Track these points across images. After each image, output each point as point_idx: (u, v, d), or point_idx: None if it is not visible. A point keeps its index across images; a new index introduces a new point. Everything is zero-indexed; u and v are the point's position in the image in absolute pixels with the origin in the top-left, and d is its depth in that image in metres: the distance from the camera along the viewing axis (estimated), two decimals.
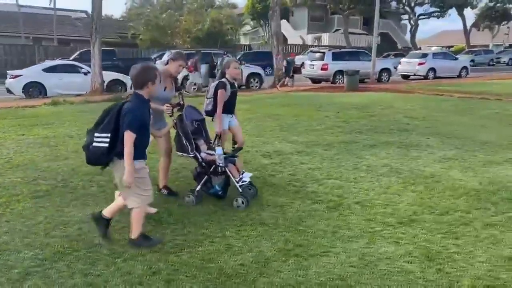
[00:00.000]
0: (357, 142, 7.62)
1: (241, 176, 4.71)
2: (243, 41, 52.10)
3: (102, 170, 3.76)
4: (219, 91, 5.05)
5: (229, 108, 5.24)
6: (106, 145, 3.41)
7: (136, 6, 46.03)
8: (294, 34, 48.21)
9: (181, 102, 4.67)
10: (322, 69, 21.30)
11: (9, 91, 15.91)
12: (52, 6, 36.42)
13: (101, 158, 3.49)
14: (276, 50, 19.59)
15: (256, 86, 19.50)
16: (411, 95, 14.63)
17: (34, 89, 15.71)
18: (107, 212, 3.80)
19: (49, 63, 16.43)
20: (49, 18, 36.21)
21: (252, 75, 19.35)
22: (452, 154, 6.77)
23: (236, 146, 5.40)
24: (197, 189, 4.69)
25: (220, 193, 4.71)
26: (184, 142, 4.56)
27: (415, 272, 3.27)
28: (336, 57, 21.67)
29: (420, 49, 46.07)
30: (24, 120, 10.19)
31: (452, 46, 55.47)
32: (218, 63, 17.55)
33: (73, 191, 5.13)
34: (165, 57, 18.75)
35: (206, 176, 4.68)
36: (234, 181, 4.64)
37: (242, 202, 4.52)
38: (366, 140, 7.77)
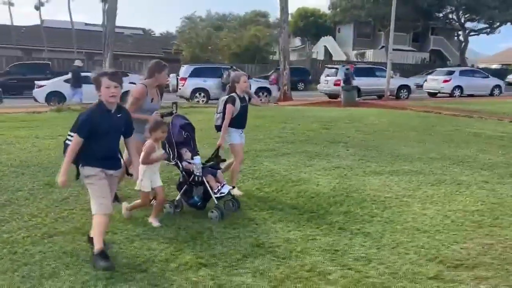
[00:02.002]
0: (275, 151, 8.06)
1: (219, 188, 4.65)
2: (292, 57, 52.99)
3: None
4: (228, 106, 5.14)
5: (239, 122, 5.29)
6: (71, 142, 3.52)
7: (187, 22, 48.71)
8: (339, 50, 48.28)
9: (174, 111, 4.79)
10: (335, 84, 21.49)
11: (35, 99, 17.86)
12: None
13: None
14: (282, 66, 20.18)
15: (266, 100, 20.11)
16: (399, 111, 14.61)
17: (56, 98, 17.51)
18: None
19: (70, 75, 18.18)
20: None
21: (261, 89, 20.03)
22: (346, 163, 7.05)
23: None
24: (177, 198, 4.74)
25: (198, 204, 4.70)
26: (167, 149, 4.61)
27: (155, 249, 3.83)
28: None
29: (472, 66, 44.31)
30: (19, 123, 11.59)
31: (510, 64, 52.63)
32: (224, 77, 18.51)
33: None
34: (182, 72, 19.90)
35: (186, 186, 4.70)
36: (211, 192, 4.58)
37: (216, 213, 4.49)
38: (286, 149, 8.18)
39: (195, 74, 19.19)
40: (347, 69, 21.49)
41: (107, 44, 17.32)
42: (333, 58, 45.80)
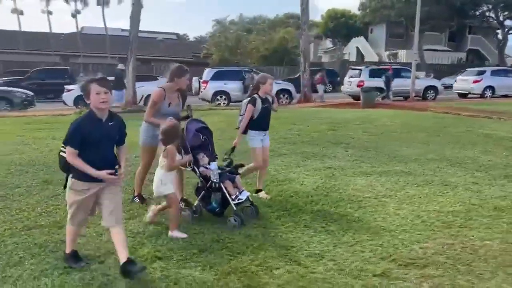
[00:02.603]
0: (273, 151, 8.06)
1: (237, 194, 4.56)
2: (324, 59, 52.71)
3: None
4: (248, 106, 5.12)
5: (261, 124, 5.24)
6: (65, 154, 3.38)
7: (218, 26, 49.43)
8: (371, 51, 47.57)
9: (190, 115, 4.78)
10: (358, 85, 21.23)
11: (64, 103, 18.71)
12: (143, 29, 40.99)
13: (64, 168, 3.47)
14: (303, 67, 20.19)
15: (286, 101, 20.17)
16: (418, 112, 14.34)
17: (83, 101, 18.22)
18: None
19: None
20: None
21: (282, 91, 20.07)
22: (339, 164, 7.06)
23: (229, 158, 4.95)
24: (195, 204, 4.69)
25: (217, 210, 4.59)
26: (182, 155, 4.53)
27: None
28: (374, 74, 21.49)
29: (511, 66, 42.55)
30: (43, 125, 12.20)
31: None
32: (247, 79, 18.74)
33: None
34: (204, 75, 20.24)
35: (203, 191, 4.63)
36: (229, 199, 4.47)
37: (235, 221, 4.39)
38: (285, 150, 8.26)
39: (216, 77, 19.51)
40: (386, 70, 21.27)
41: (131, 49, 17.87)
42: (365, 59, 45.11)
